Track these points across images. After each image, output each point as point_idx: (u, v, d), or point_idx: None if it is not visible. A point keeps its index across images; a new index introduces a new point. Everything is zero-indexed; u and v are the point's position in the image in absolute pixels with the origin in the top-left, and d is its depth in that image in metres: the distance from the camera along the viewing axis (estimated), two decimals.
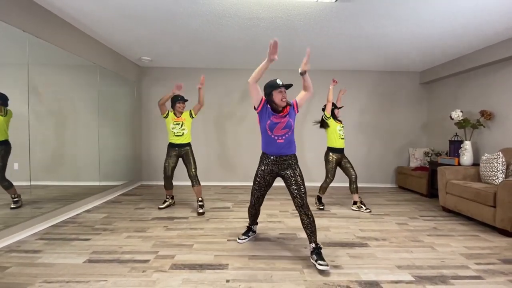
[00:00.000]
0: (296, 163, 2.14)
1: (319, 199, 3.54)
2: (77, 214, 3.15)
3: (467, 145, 3.71)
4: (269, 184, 2.21)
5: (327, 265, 1.88)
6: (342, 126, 3.48)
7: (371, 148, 5.09)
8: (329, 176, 3.43)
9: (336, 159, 3.42)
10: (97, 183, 3.67)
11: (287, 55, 4.16)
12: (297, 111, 2.16)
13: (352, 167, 3.44)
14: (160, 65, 4.89)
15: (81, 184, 3.41)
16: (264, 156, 2.17)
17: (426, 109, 5.11)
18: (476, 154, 3.89)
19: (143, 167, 5.05)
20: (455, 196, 3.21)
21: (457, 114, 3.79)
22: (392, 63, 4.52)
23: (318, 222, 2.96)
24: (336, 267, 1.98)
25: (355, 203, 3.48)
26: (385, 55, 4.10)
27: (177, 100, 3.32)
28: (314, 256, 1.96)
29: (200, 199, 3.29)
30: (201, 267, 1.95)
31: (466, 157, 3.70)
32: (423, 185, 4.27)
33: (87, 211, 3.29)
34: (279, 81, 2.05)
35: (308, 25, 3.05)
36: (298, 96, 2.17)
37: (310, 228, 2.01)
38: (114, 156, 4.10)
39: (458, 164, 3.80)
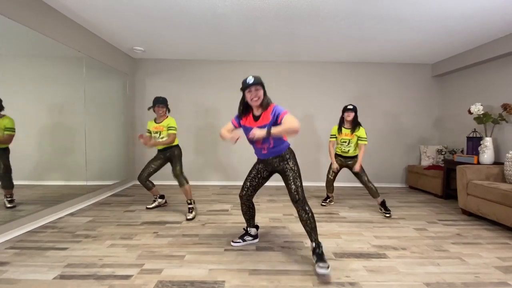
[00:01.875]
0: (290, 157, 1.97)
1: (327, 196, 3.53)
2: (59, 218, 2.84)
3: (488, 141, 3.39)
4: (265, 179, 2.11)
5: (327, 268, 1.70)
6: (347, 141, 3.12)
7: (379, 145, 4.77)
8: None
9: (338, 163, 3.29)
10: (83, 183, 3.37)
11: (288, 45, 3.84)
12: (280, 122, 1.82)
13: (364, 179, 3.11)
14: (154, 57, 4.57)
15: (67, 184, 3.12)
16: (258, 159, 2.13)
17: (438, 103, 4.78)
18: (498, 152, 3.57)
19: (136, 165, 4.74)
20: (478, 198, 2.89)
21: (477, 108, 3.46)
22: (403, 54, 4.19)
23: (327, 227, 2.65)
24: (352, 284, 1.67)
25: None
26: (397, 44, 3.76)
27: (156, 103, 2.99)
28: (314, 256, 1.82)
29: (189, 201, 2.97)
30: (192, 285, 1.64)
31: (487, 155, 3.39)
32: (437, 185, 3.95)
33: (71, 214, 2.99)
34: (248, 80, 1.84)
35: (313, 10, 2.73)
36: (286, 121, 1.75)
37: (309, 224, 1.87)
38: (103, 154, 3.78)
39: (477, 162, 3.48)
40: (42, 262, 1.90)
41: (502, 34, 3.30)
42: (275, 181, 4.71)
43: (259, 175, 2.09)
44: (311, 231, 1.87)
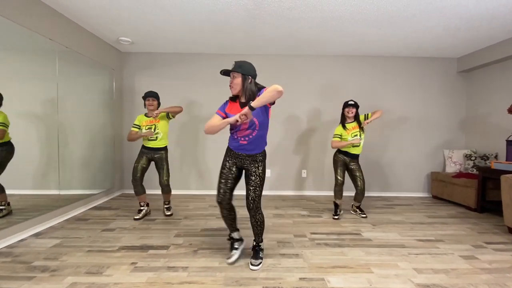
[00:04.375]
0: (261, 161, 1.91)
1: (335, 205, 3.11)
2: (21, 240, 2.31)
3: None
4: (237, 177, 1.96)
5: (257, 265, 1.88)
6: (357, 133, 2.91)
7: (399, 149, 4.23)
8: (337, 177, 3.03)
9: (342, 160, 3.01)
10: (56, 192, 2.83)
11: (292, 39, 3.32)
12: (269, 104, 1.79)
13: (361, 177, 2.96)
14: (144, 50, 4.05)
15: (37, 192, 2.60)
16: (228, 149, 1.96)
17: (465, 102, 4.25)
18: None
19: (125, 173, 4.21)
20: None
21: None
22: (423, 46, 3.66)
23: (352, 255, 2.11)
24: None
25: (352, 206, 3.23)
26: (421, 31, 3.23)
27: (147, 96, 2.89)
28: (251, 251, 2.00)
29: (167, 202, 3.10)
30: None
31: None
32: (470, 196, 3.41)
33: (37, 234, 2.46)
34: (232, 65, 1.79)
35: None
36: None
37: (257, 229, 1.95)
38: (83, 159, 3.25)
39: None
40: None
41: None
42: (281, 190, 4.18)
43: (230, 175, 1.93)
44: (259, 233, 1.96)
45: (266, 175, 4.20)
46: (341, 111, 4.08)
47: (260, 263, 1.91)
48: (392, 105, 4.20)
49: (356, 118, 2.96)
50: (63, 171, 2.93)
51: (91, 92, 3.40)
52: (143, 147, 2.94)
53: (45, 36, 2.62)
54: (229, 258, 1.97)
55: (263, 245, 2.07)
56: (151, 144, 2.89)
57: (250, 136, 1.82)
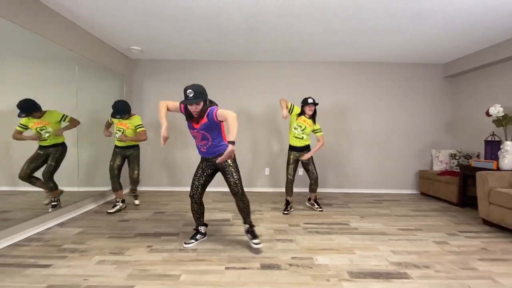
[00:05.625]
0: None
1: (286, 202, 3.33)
2: (48, 229, 2.62)
3: (509, 146, 3.15)
4: (209, 176, 2.25)
5: (259, 243, 2.14)
6: (304, 128, 3.15)
7: (389, 149, 4.53)
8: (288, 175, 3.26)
9: (294, 158, 3.23)
10: (76, 189, 3.15)
11: (289, 44, 3.63)
12: (217, 120, 1.98)
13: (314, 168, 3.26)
14: (152, 57, 4.38)
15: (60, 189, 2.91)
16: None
17: (451, 106, 4.55)
18: None
19: None
20: (502, 207, 2.64)
21: (496, 110, 3.23)
22: (412, 53, 3.97)
23: (338, 240, 2.41)
24: None
25: (309, 199, 3.47)
26: (408, 41, 3.54)
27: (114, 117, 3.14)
28: (249, 235, 2.23)
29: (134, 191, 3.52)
30: None
31: (508, 160, 3.15)
32: (452, 192, 3.71)
33: (61, 224, 2.77)
34: (188, 93, 1.92)
35: (317, 7, 2.52)
36: (221, 115, 1.94)
37: (245, 211, 2.21)
38: (98, 158, 3.57)
39: (497, 168, 3.24)
40: (20, 283, 1.68)
41: None
42: (280, 187, 4.48)
43: (204, 174, 2.22)
44: (247, 216, 2.23)
45: (265, 173, 4.51)
46: (330, 117, 4.36)
47: (260, 242, 2.16)
48: (382, 109, 4.50)
49: (313, 116, 3.16)
50: (82, 170, 3.25)
51: (104, 96, 3.72)
52: (115, 146, 3.25)
53: (67, 47, 2.95)
54: (186, 243, 2.23)
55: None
56: (121, 144, 3.21)
57: (207, 146, 2.11)
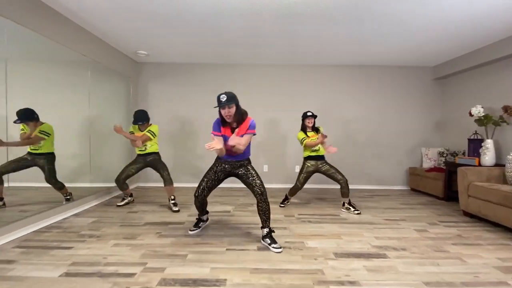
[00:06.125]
0: (249, 163, 2.34)
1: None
2: (64, 218, 2.89)
3: (489, 143, 3.40)
4: (219, 181, 2.35)
5: (280, 247, 2.14)
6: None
7: (381, 148, 4.79)
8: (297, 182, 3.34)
9: (309, 168, 3.30)
10: (88, 185, 3.42)
11: (288, 48, 3.89)
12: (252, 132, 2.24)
13: (338, 172, 3.24)
14: (158, 60, 4.64)
15: (71, 185, 3.16)
16: (218, 158, 2.36)
17: (439, 106, 4.80)
18: (499, 154, 3.57)
19: None
20: (479, 199, 2.90)
21: (477, 111, 3.48)
22: (403, 57, 4.22)
23: (328, 228, 2.67)
24: (352, 283, 1.69)
25: (343, 204, 3.36)
26: (397, 47, 3.80)
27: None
28: (267, 240, 2.21)
29: (173, 197, 3.35)
30: (194, 283, 1.67)
31: (488, 156, 3.39)
32: (439, 187, 3.96)
33: (76, 215, 3.04)
34: (222, 98, 2.07)
35: (313, 12, 2.78)
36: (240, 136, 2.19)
37: (266, 214, 2.24)
38: (107, 156, 3.84)
39: (479, 164, 3.49)
40: (48, 261, 1.94)
41: (502, 36, 3.32)
42: (280, 183, 4.74)
43: (215, 178, 2.32)
44: (267, 219, 2.25)
45: (264, 170, 4.77)
46: (327, 119, 4.62)
47: (280, 246, 2.16)
48: (374, 109, 4.76)
49: (314, 127, 3.33)
50: (94, 166, 3.52)
51: (112, 97, 3.98)
52: (138, 155, 3.34)
53: (80, 52, 3.22)
54: (191, 230, 2.48)
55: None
56: (142, 153, 3.31)
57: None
